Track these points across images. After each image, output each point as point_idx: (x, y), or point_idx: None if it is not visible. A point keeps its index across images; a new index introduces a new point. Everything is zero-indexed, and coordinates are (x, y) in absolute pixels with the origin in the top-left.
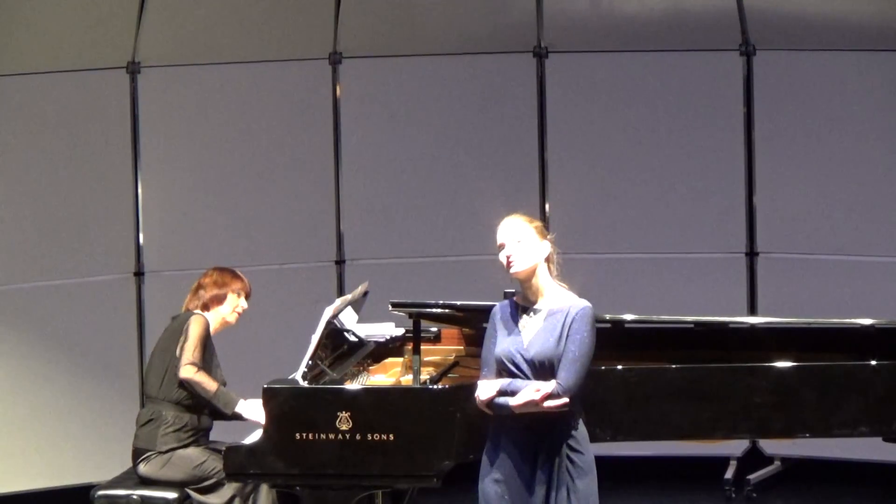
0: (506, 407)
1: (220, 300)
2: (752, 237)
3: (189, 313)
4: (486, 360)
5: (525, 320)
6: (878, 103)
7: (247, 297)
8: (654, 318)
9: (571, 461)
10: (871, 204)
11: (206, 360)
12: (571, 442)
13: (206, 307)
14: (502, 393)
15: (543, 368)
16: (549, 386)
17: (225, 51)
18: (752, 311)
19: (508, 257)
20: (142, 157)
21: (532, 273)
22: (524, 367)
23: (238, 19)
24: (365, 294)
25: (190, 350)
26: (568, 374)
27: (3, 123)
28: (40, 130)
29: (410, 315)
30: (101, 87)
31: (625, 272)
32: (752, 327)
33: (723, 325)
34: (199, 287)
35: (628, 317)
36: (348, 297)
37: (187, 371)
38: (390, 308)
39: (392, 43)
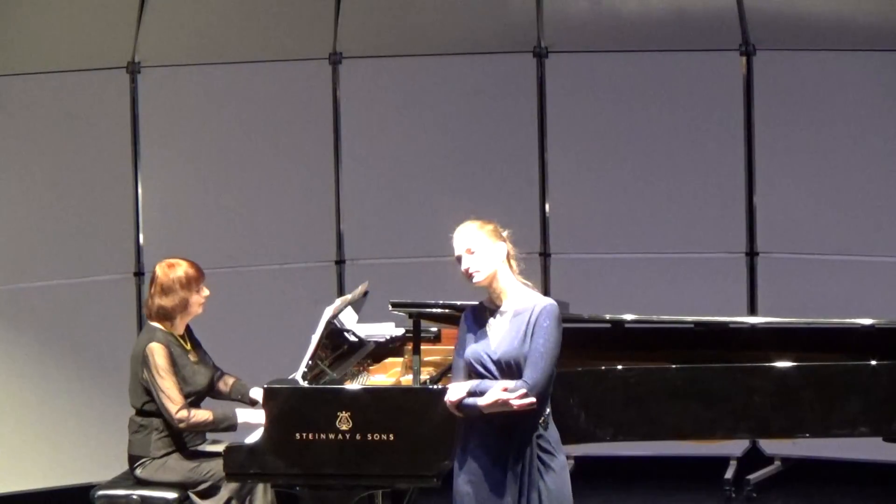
0: (474, 408)
1: (184, 307)
2: (752, 237)
3: (146, 339)
4: (456, 364)
5: (492, 322)
6: (878, 103)
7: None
8: (654, 318)
9: (542, 462)
10: (871, 204)
11: (182, 380)
12: (541, 443)
13: (168, 318)
14: (471, 394)
15: (510, 369)
16: (516, 384)
17: (225, 51)
18: (753, 311)
19: (467, 270)
20: (142, 157)
21: (493, 277)
22: (492, 368)
23: (238, 19)
24: (365, 294)
25: (168, 397)
26: (534, 371)
27: (2, 123)
28: (40, 130)
29: (410, 315)
30: (101, 87)
31: (625, 272)
32: (753, 327)
33: (723, 325)
34: (160, 292)
35: (628, 317)
36: (348, 297)
37: (180, 420)
38: (390, 308)
39: (392, 43)
